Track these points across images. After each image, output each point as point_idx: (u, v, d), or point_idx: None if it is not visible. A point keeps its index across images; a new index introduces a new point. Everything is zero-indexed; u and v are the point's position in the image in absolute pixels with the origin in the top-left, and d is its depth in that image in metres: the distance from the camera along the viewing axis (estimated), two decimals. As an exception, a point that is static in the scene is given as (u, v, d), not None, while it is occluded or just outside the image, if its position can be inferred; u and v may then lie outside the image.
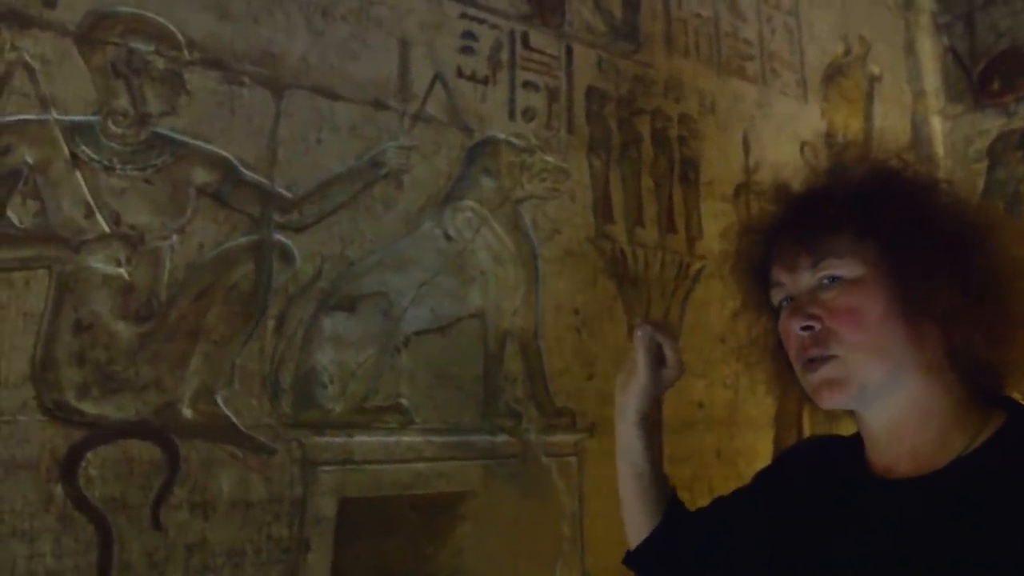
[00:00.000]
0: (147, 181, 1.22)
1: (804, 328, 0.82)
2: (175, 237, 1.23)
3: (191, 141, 1.27)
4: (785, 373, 0.93)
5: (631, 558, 1.16)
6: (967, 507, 0.73)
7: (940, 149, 2.58)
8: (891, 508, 0.79)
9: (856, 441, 0.91)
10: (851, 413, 0.92)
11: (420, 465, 1.41)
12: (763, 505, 0.99)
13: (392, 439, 1.39)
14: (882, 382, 0.80)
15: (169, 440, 1.19)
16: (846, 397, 0.81)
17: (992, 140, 2.46)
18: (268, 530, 1.24)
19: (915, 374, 0.80)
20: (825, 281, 0.83)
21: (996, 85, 2.49)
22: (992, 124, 2.48)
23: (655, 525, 1.14)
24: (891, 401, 0.81)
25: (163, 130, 1.25)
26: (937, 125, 2.61)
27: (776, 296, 0.89)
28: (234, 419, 1.24)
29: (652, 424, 1.19)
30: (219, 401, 1.24)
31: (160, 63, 1.25)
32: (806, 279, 0.84)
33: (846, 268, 0.81)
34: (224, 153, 1.29)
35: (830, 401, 0.82)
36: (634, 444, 1.16)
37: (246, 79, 1.32)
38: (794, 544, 0.86)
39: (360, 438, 1.36)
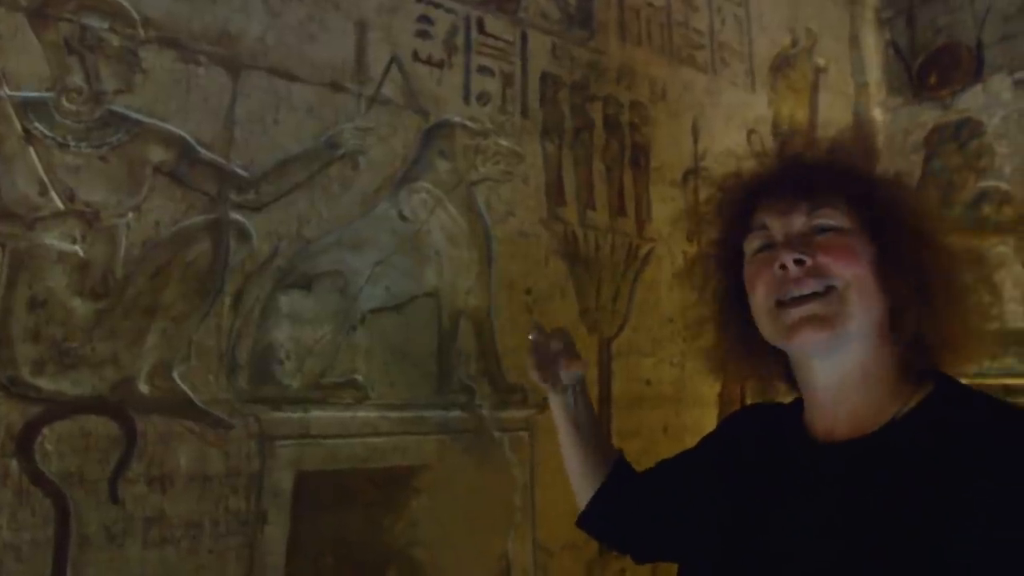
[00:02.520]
0: (102, 159, 1.23)
1: (797, 261, 0.84)
2: (131, 215, 1.24)
3: (147, 119, 1.27)
4: (731, 332, 0.97)
5: (582, 520, 1.23)
6: (897, 467, 0.78)
7: (880, 139, 2.68)
8: (829, 470, 0.84)
9: (795, 407, 0.96)
10: (792, 385, 0.97)
11: (376, 439, 1.45)
12: (706, 469, 1.03)
13: (348, 414, 1.43)
14: (859, 330, 0.84)
15: (126, 415, 1.20)
16: (827, 335, 0.83)
17: (928, 132, 2.57)
18: (226, 503, 1.27)
19: (872, 336, 0.85)
20: (818, 228, 0.86)
21: (933, 79, 2.60)
22: (929, 116, 2.59)
23: (598, 486, 1.20)
24: (845, 357, 0.86)
25: (118, 108, 1.25)
26: (878, 116, 2.72)
27: (753, 242, 0.91)
28: (191, 394, 1.26)
29: (582, 388, 1.27)
30: (176, 377, 1.25)
31: (115, 40, 1.25)
32: (800, 222, 0.87)
33: (840, 220, 0.86)
34: (180, 132, 1.30)
35: (809, 338, 0.83)
36: (563, 409, 1.25)
37: (203, 58, 1.33)
38: (736, 508, 0.90)
39: (317, 413, 1.39)
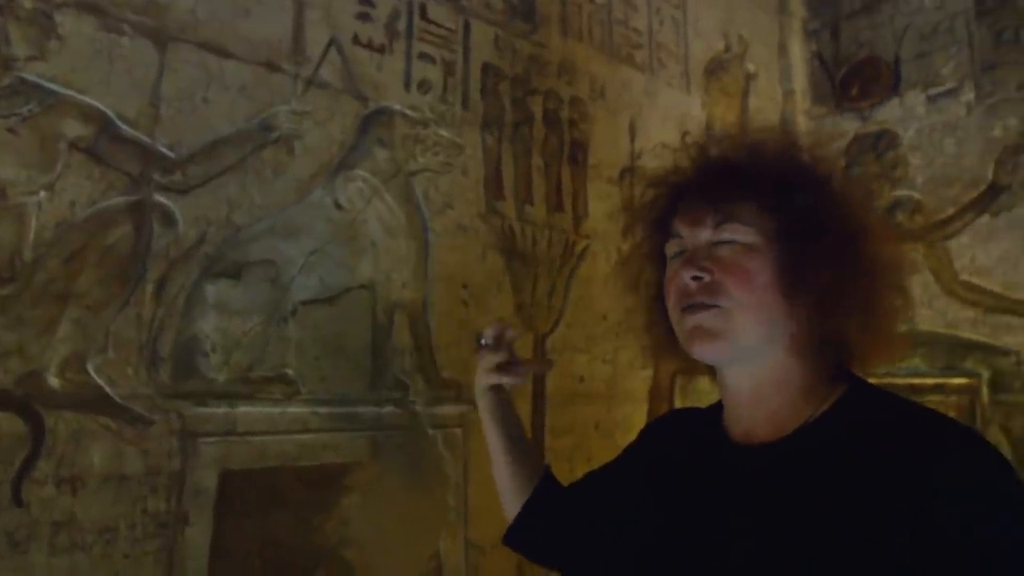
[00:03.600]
0: (11, 131, 1.12)
1: (694, 277, 0.86)
2: (43, 193, 1.14)
3: (63, 90, 1.17)
4: (659, 326, 0.98)
5: (508, 536, 1.20)
6: (813, 468, 0.80)
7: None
8: (749, 472, 0.85)
9: (715, 411, 0.97)
10: (714, 380, 0.98)
11: (306, 436, 1.39)
12: (631, 477, 1.04)
13: (277, 410, 1.36)
14: (752, 346, 0.86)
15: (33, 411, 1.11)
16: (715, 348, 0.86)
17: (849, 141, 2.67)
18: (143, 504, 1.19)
19: (781, 346, 0.86)
20: (723, 241, 0.87)
21: (855, 91, 2.71)
22: (850, 126, 2.69)
23: (524, 501, 1.19)
24: (757, 366, 0.87)
25: (30, 76, 1.15)
26: (803, 124, 2.82)
27: (672, 247, 0.93)
28: (107, 389, 1.18)
29: (509, 398, 1.26)
30: (91, 370, 1.17)
31: (26, 2, 1.15)
32: (705, 235, 0.88)
33: (743, 234, 0.86)
34: (100, 105, 1.20)
35: (700, 350, 0.87)
36: (495, 422, 1.23)
37: (127, 27, 1.23)
38: (661, 512, 0.91)
39: (244, 409, 1.32)
